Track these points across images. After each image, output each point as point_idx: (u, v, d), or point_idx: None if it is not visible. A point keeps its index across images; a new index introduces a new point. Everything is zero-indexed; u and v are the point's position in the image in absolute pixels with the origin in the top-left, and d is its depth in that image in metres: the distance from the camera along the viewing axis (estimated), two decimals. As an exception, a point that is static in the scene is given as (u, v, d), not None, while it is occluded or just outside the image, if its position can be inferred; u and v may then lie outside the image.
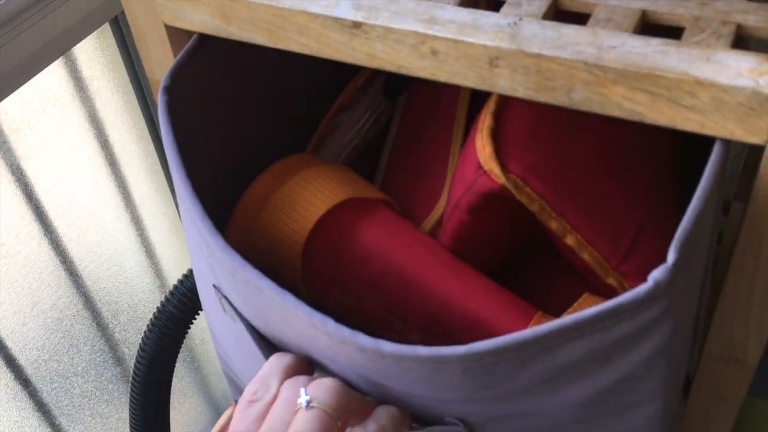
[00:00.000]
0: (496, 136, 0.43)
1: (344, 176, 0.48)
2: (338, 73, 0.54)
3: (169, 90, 0.44)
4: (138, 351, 0.77)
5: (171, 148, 0.41)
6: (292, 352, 0.39)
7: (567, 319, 0.30)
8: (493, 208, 0.44)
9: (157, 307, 0.76)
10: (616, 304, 0.30)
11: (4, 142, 0.80)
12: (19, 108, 0.81)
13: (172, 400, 0.87)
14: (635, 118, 0.37)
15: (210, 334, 0.55)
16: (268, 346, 0.41)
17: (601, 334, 0.31)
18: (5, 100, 0.70)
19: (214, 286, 0.43)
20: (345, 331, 0.33)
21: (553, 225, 0.42)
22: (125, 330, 1.05)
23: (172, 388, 0.84)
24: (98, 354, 1.01)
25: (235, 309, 0.42)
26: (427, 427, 0.37)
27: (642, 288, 0.30)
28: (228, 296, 0.42)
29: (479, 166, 0.43)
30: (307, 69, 0.54)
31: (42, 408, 0.93)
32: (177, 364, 0.93)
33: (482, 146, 0.43)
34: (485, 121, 0.44)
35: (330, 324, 0.34)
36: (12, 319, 0.86)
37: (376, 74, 0.56)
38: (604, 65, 0.36)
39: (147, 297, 1.08)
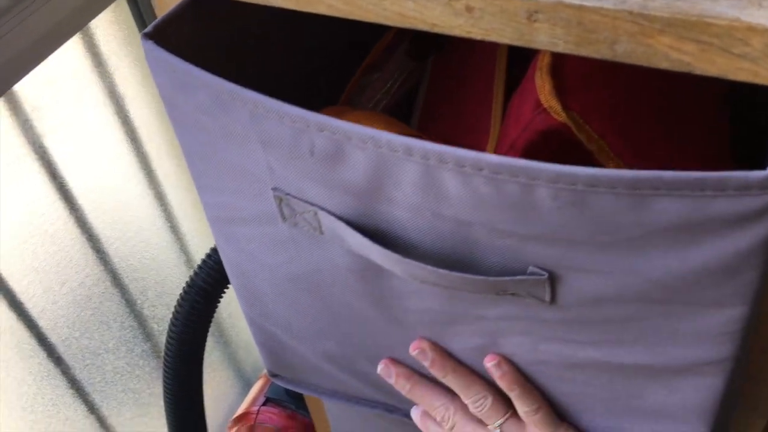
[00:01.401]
0: (555, 73, 0.42)
1: (390, 119, 0.47)
2: (357, 32, 0.52)
3: (152, 37, 0.40)
4: (169, 326, 0.77)
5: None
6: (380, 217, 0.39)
7: (667, 172, 0.30)
8: (551, 147, 0.42)
9: (187, 282, 0.76)
10: (723, 175, 0.29)
11: (26, 120, 0.80)
12: (39, 86, 0.80)
13: (203, 374, 0.87)
14: (683, 69, 0.35)
15: (239, 286, 0.53)
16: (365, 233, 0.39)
17: (699, 202, 0.30)
18: (24, 79, 0.69)
19: (275, 189, 0.40)
20: (443, 148, 0.32)
21: (611, 166, 0.41)
22: (154, 306, 1.05)
23: (204, 362, 0.84)
24: (128, 330, 1.01)
25: (311, 203, 0.40)
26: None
27: (754, 172, 0.29)
28: (295, 194, 0.40)
29: (538, 104, 0.41)
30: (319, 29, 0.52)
31: (75, 385, 0.94)
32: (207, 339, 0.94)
33: (542, 84, 0.41)
34: (544, 59, 0.42)
35: (428, 144, 0.33)
36: (42, 298, 0.86)
37: (403, 34, 0.55)
38: (649, 14, 0.34)
39: (173, 273, 1.08)
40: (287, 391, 1.10)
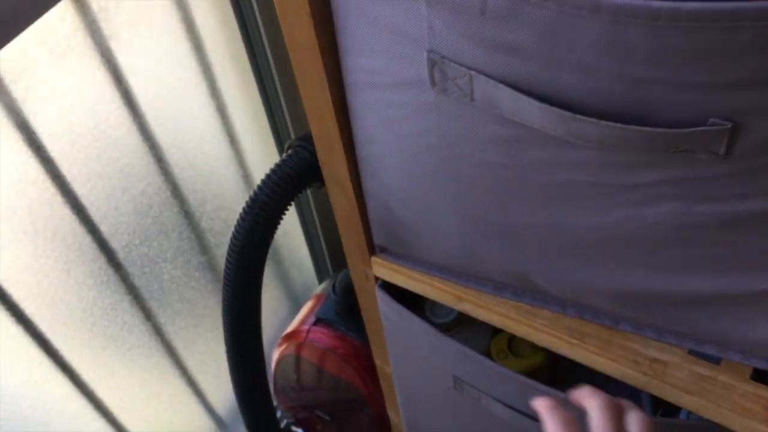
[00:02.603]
0: None
1: None
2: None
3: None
4: (230, 240, 0.76)
5: None
6: None
7: None
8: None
9: (250, 196, 0.75)
10: None
11: (93, 20, 0.78)
12: (107, -15, 0.78)
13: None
14: None
15: (365, 156, 0.54)
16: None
17: None
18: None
19: (431, 51, 0.40)
20: (635, 2, 0.32)
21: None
22: (211, 219, 1.05)
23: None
24: (185, 242, 1.02)
25: (468, 66, 0.40)
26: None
27: None
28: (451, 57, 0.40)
29: None
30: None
31: (133, 291, 0.95)
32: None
33: None
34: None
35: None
36: (104, 204, 0.86)
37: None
38: None
39: (231, 187, 1.07)
40: (338, 312, 1.10)
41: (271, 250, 1.21)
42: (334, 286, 1.10)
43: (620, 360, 0.54)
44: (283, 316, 1.30)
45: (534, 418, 0.62)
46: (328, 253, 1.31)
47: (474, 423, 0.69)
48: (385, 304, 0.66)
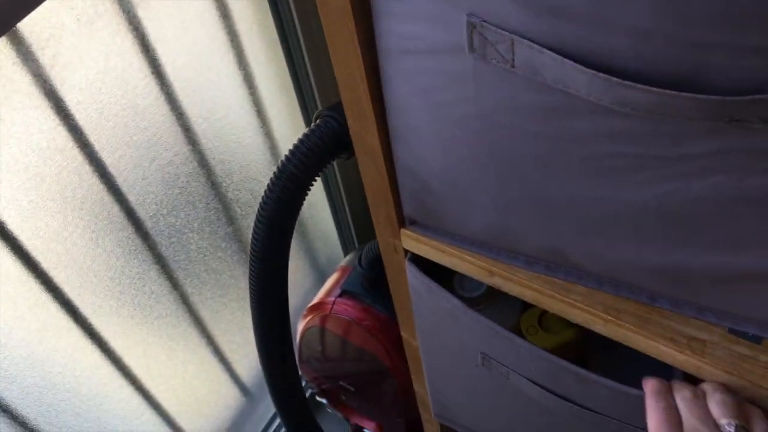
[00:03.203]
0: None
1: None
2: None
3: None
4: (258, 210, 0.75)
5: None
6: None
7: None
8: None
9: (278, 167, 0.74)
10: None
11: (121, -13, 0.77)
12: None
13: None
14: None
15: (398, 125, 0.53)
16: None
17: None
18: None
19: (470, 15, 0.39)
20: None
21: None
22: (238, 190, 1.05)
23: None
24: (212, 212, 1.01)
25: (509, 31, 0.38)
26: None
27: None
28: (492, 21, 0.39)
29: None
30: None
31: (160, 261, 0.96)
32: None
33: None
34: None
35: None
36: (132, 173, 0.86)
37: None
38: None
39: (258, 158, 1.06)
40: (363, 285, 1.09)
41: (297, 222, 1.20)
42: (360, 259, 1.09)
43: (657, 338, 0.52)
44: (308, 287, 1.30)
45: (562, 396, 0.61)
46: (354, 225, 1.31)
47: (501, 399, 0.68)
48: (414, 277, 0.65)
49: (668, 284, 0.51)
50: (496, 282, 0.59)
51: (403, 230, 0.63)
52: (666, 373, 0.72)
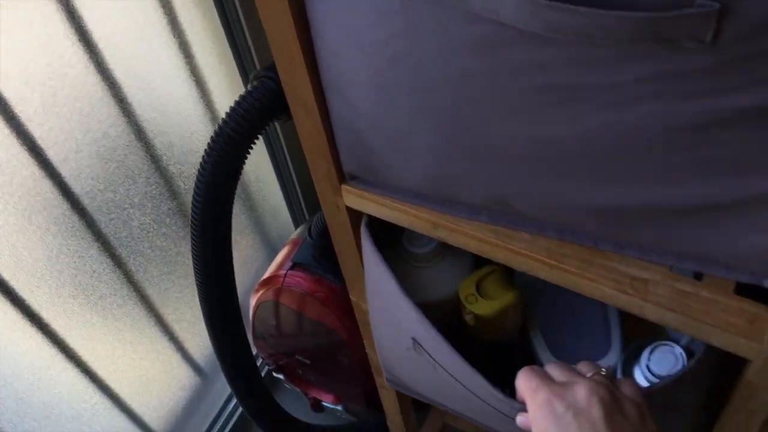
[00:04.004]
0: None
1: None
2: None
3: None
4: (196, 177, 0.73)
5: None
6: None
7: None
8: None
9: (215, 131, 0.71)
10: None
11: (39, -52, 0.73)
12: None
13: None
14: None
15: (331, 76, 0.52)
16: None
17: None
18: None
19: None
20: None
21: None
22: (180, 163, 1.01)
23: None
24: (154, 187, 0.98)
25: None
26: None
27: None
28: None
29: None
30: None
31: (101, 238, 0.92)
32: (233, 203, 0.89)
33: None
34: None
35: None
36: (64, 146, 0.83)
37: None
38: None
39: (199, 129, 1.03)
40: (314, 257, 1.08)
41: (244, 197, 1.18)
42: (309, 230, 1.07)
43: (601, 280, 0.52)
44: (260, 263, 1.27)
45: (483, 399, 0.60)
46: (303, 198, 1.29)
47: (435, 381, 0.67)
48: (367, 247, 0.64)
49: (610, 225, 0.50)
50: (441, 234, 0.58)
51: (344, 186, 0.61)
52: (605, 335, 0.72)
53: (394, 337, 0.68)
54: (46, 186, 0.82)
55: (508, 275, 0.71)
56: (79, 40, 0.80)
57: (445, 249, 0.73)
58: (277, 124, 1.14)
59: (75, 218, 0.87)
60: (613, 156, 0.43)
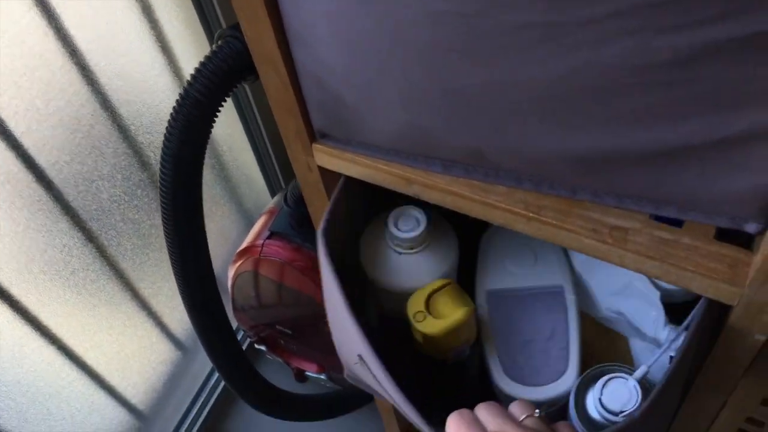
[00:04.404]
0: None
1: None
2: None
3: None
4: (163, 143, 0.71)
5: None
6: None
7: None
8: None
9: (180, 94, 0.69)
10: None
11: None
12: None
13: (204, 209, 0.81)
14: None
15: (296, 29, 0.50)
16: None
17: None
18: None
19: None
20: None
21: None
22: (149, 133, 0.99)
23: (204, 197, 0.78)
24: (122, 158, 0.96)
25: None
26: None
27: None
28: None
29: None
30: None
31: (70, 212, 0.90)
32: (206, 173, 0.86)
33: None
34: None
35: None
36: (24, 117, 0.80)
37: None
38: None
39: (167, 97, 1.00)
40: (292, 225, 1.06)
41: (218, 168, 1.15)
42: (286, 198, 1.05)
43: (579, 230, 0.51)
44: (236, 235, 1.25)
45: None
46: (279, 166, 1.26)
47: (381, 392, 0.65)
48: (322, 253, 0.60)
49: (587, 173, 0.49)
50: (415, 190, 0.57)
51: (314, 145, 0.59)
52: (564, 354, 0.69)
53: (347, 345, 0.65)
54: (9, 158, 0.79)
55: (462, 291, 0.67)
56: (36, 5, 0.77)
57: (431, 236, 0.70)
58: (249, 92, 1.12)
59: (41, 191, 0.85)
60: (589, 98, 0.42)
